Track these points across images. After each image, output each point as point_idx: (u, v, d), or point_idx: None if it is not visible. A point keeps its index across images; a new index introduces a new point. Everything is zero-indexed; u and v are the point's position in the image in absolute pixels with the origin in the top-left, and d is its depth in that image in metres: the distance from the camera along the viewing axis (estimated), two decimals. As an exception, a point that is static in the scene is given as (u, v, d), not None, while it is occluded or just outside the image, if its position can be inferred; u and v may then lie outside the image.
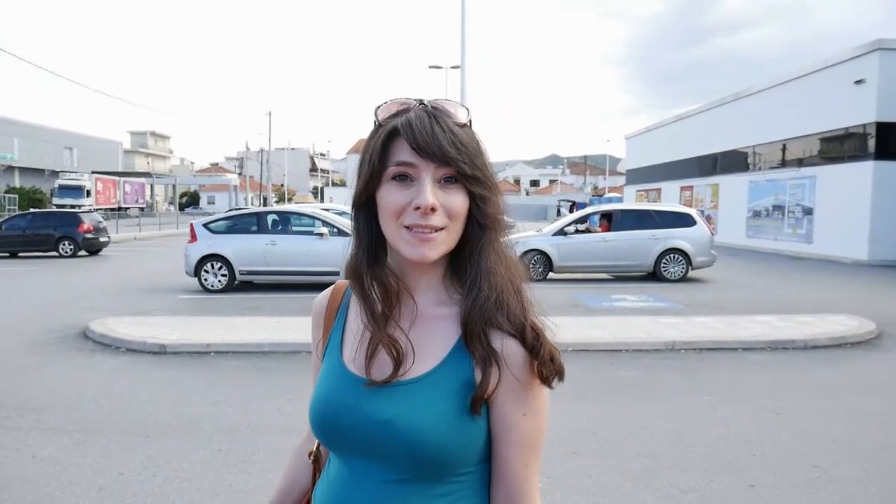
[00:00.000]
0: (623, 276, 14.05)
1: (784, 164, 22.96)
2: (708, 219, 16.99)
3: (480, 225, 0.96)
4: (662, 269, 13.33)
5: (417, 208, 0.91)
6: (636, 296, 11.17)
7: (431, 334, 0.98)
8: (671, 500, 3.59)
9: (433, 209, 0.91)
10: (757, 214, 24.05)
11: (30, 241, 19.43)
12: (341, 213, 14.76)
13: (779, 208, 22.65)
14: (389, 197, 0.94)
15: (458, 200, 0.93)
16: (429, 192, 0.91)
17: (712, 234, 14.03)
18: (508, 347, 0.94)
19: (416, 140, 0.91)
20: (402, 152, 0.93)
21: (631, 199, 37.94)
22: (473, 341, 0.94)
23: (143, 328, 7.94)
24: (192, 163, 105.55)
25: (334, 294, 1.12)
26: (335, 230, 11.81)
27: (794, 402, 5.39)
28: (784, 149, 23.01)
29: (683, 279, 13.29)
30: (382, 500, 0.94)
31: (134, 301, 10.66)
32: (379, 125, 0.97)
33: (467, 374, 0.94)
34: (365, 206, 0.99)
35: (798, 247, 21.00)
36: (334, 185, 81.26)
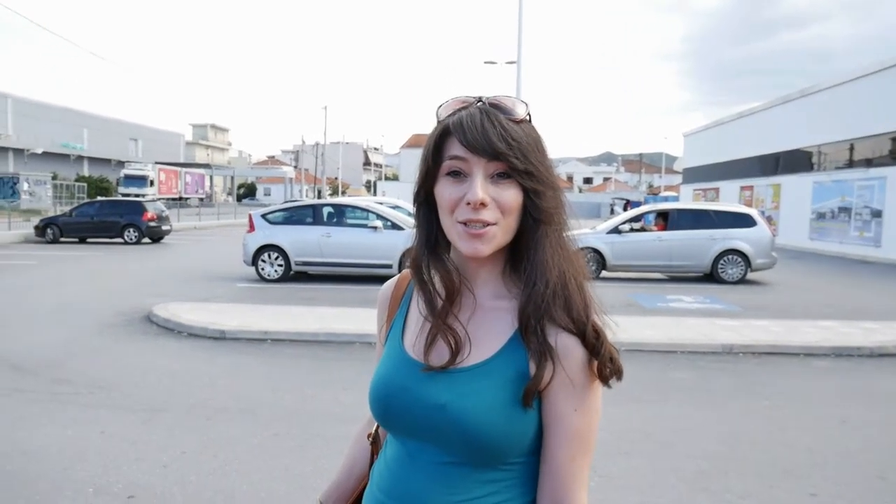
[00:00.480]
0: (678, 277, 13.76)
1: (852, 164, 22.04)
2: (769, 220, 16.50)
3: (535, 219, 0.97)
4: (720, 271, 12.99)
5: (468, 203, 0.93)
6: (692, 297, 10.93)
7: (489, 326, 1.00)
8: (728, 504, 3.52)
9: (483, 204, 0.93)
10: (821, 216, 23.17)
11: (97, 228, 20.28)
12: (395, 207, 14.89)
13: (845, 210, 21.75)
14: (444, 192, 0.97)
15: (509, 195, 0.95)
16: (479, 186, 0.93)
17: (773, 236, 13.59)
18: (565, 343, 0.95)
19: (466, 137, 0.93)
20: (454, 149, 0.95)
21: (687, 199, 37.05)
22: (529, 335, 0.96)
23: (204, 314, 8.20)
24: (249, 155, 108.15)
25: (399, 283, 1.16)
26: (389, 224, 11.93)
27: (859, 410, 5.19)
28: (852, 148, 22.08)
29: (742, 281, 12.92)
30: (437, 480, 0.97)
31: (195, 288, 11.02)
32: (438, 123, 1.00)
33: (522, 366, 0.96)
34: (425, 202, 1.03)
35: (865, 251, 20.15)
36: (387, 179, 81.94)
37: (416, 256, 1.05)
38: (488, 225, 0.94)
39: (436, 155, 0.98)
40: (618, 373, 0.97)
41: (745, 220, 13.34)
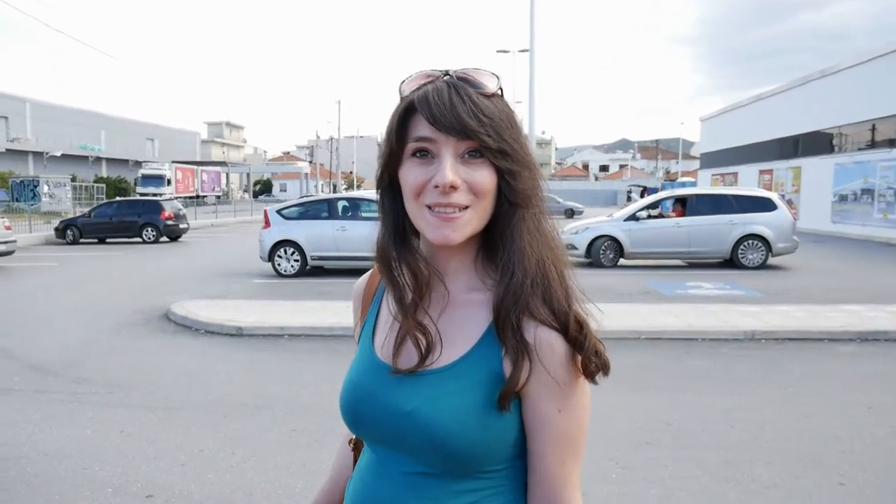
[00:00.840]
0: (698, 263, 13.58)
1: (874, 144, 21.62)
2: (789, 203, 16.21)
3: (511, 203, 0.88)
4: (740, 256, 12.80)
5: (437, 186, 0.85)
6: (712, 283, 10.79)
7: (461, 322, 0.92)
8: (753, 495, 3.44)
9: (453, 187, 0.84)
10: (843, 199, 22.77)
11: (116, 228, 20.47)
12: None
13: (868, 192, 21.36)
14: (409, 175, 0.88)
15: (482, 176, 0.86)
16: (448, 168, 0.84)
17: (794, 220, 13.37)
18: (545, 338, 0.86)
19: (433, 113, 0.84)
20: (421, 127, 0.87)
21: (706, 184, 36.64)
22: (505, 330, 0.87)
23: (221, 311, 8.22)
24: (264, 152, 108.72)
25: (372, 279, 1.08)
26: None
27: (887, 396, 5.07)
28: (874, 129, 21.66)
29: (762, 266, 12.72)
30: (407, 491, 0.90)
31: (212, 285, 11.07)
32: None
33: (495, 365, 0.87)
34: (389, 187, 0.94)
35: (889, 233, 19.77)
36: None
37: (383, 248, 0.95)
38: (462, 209, 0.86)
39: (400, 134, 0.89)
40: (604, 367, 0.89)
41: (765, 205, 13.13)
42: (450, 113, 0.84)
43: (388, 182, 0.94)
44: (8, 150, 44.23)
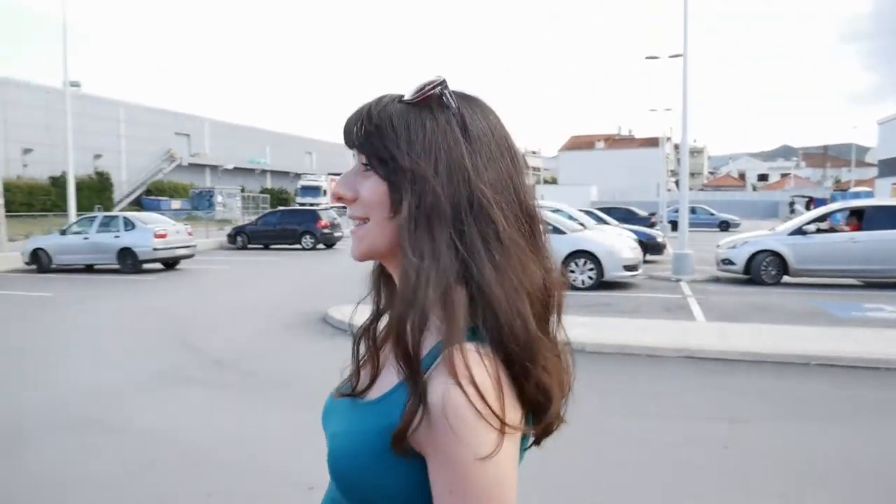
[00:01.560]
0: (877, 283, 12.25)
1: None
2: None
3: (402, 217, 0.78)
4: (930, 276, 11.38)
5: None
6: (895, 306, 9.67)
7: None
8: (955, 549, 3.03)
9: (339, 198, 0.84)
10: None
11: (279, 235, 22.16)
12: (555, 211, 14.72)
13: None
14: None
15: (365, 187, 0.80)
16: (339, 180, 0.85)
17: None
18: (451, 403, 0.69)
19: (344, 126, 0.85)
20: None
21: (885, 194, 33.00)
22: (411, 377, 0.74)
23: (373, 316, 8.59)
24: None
25: None
26: (550, 228, 11.73)
27: None
28: None
29: (959, 288, 11.23)
30: None
31: (364, 290, 11.60)
32: None
33: (396, 417, 0.73)
34: None
35: None
36: (545, 182, 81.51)
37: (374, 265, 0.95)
38: (362, 222, 0.83)
39: None
40: (546, 432, 0.81)
41: (962, 218, 11.58)
42: (346, 123, 0.83)
43: None
44: (190, 164, 49.28)
